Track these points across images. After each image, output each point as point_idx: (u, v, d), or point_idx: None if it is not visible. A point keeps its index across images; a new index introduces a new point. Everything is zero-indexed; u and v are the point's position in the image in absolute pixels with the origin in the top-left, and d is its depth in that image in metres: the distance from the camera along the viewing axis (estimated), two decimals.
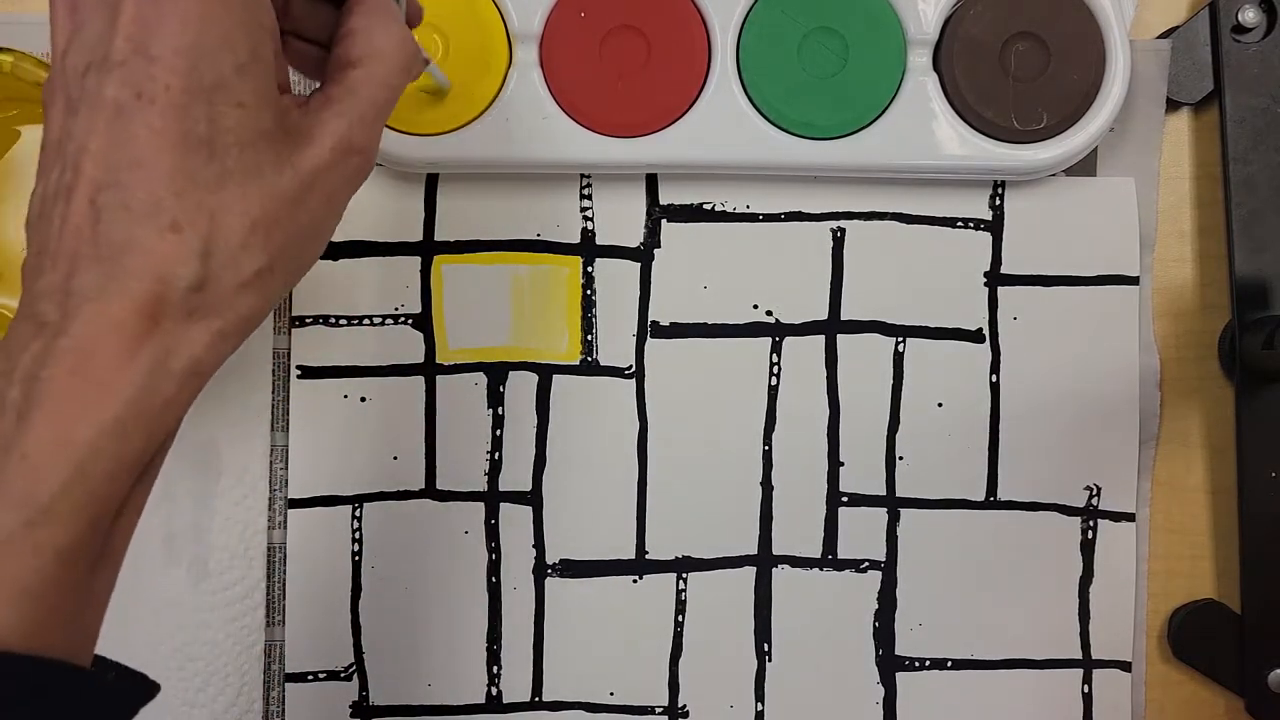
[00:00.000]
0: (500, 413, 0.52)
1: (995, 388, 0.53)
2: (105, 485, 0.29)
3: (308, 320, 0.52)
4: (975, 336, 0.53)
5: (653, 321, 0.52)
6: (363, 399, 0.52)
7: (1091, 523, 0.53)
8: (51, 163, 0.30)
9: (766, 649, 0.53)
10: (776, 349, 0.53)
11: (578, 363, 0.52)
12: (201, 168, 0.29)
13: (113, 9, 0.29)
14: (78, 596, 0.29)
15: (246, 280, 0.30)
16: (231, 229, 0.30)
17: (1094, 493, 0.53)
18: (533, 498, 0.52)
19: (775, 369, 0.53)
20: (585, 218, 0.52)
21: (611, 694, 0.53)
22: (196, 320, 0.29)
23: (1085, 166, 0.53)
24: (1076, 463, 0.53)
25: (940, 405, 0.53)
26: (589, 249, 0.52)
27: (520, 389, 0.52)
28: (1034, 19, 0.50)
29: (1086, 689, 0.54)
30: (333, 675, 0.52)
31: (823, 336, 0.53)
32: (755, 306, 0.53)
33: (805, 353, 0.53)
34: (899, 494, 0.53)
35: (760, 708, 0.53)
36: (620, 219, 0.52)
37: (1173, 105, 0.53)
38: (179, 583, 0.51)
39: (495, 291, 0.52)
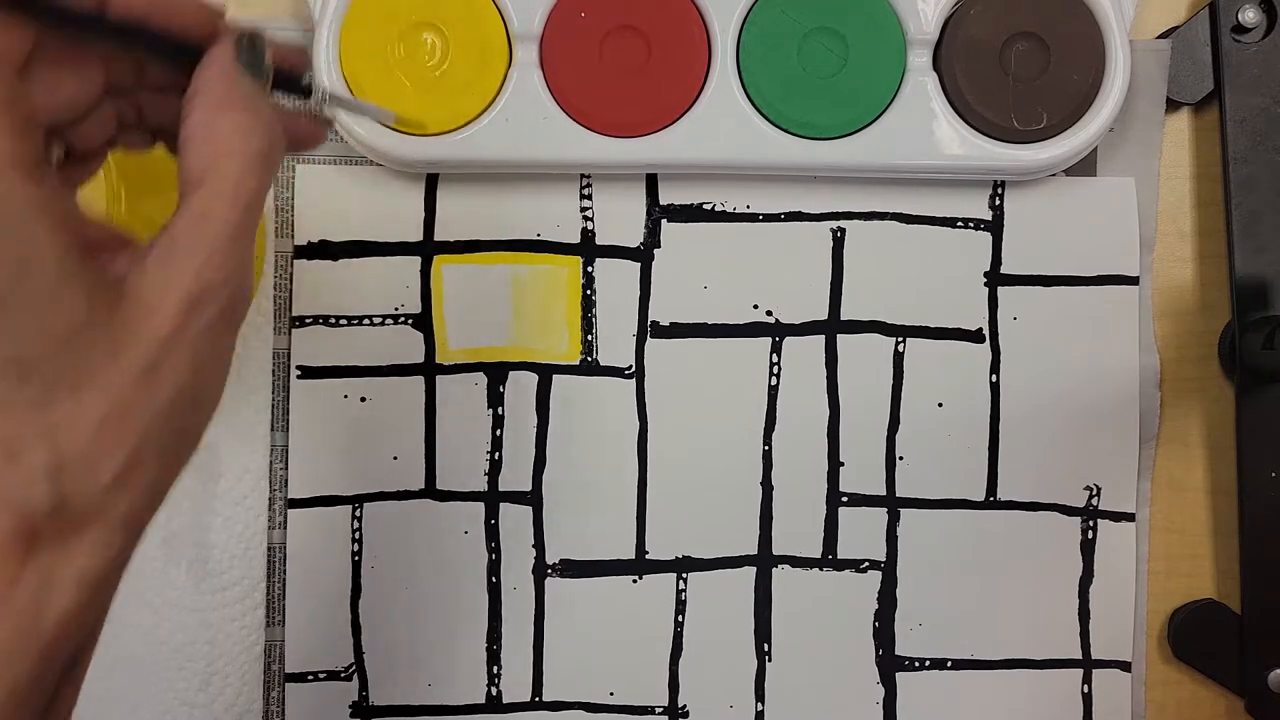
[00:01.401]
0: (500, 413, 0.52)
1: (995, 388, 0.53)
2: (13, 700, 0.27)
3: (308, 320, 0.52)
4: (975, 336, 0.53)
5: (653, 321, 0.52)
6: (363, 399, 0.52)
7: (1091, 523, 0.53)
8: None
9: (766, 649, 0.53)
10: (776, 349, 0.53)
11: (578, 363, 0.52)
12: (18, 387, 0.26)
13: None
14: None
15: (109, 483, 0.28)
16: (74, 438, 0.27)
17: (1094, 493, 0.53)
18: (533, 498, 0.52)
19: (775, 369, 0.53)
20: (585, 218, 0.52)
21: (611, 694, 0.53)
22: (70, 536, 0.27)
23: (1085, 166, 0.53)
24: (1076, 463, 0.53)
25: (940, 405, 0.53)
26: (589, 249, 0.52)
27: (520, 389, 0.52)
28: (1034, 19, 0.50)
29: (1086, 689, 0.54)
30: (333, 675, 0.52)
31: (823, 336, 0.53)
32: (755, 306, 0.53)
33: (805, 353, 0.53)
34: (899, 494, 0.53)
35: (760, 708, 0.53)
36: (620, 219, 0.52)
37: (1173, 105, 0.53)
38: (179, 583, 0.51)
39: (495, 291, 0.52)
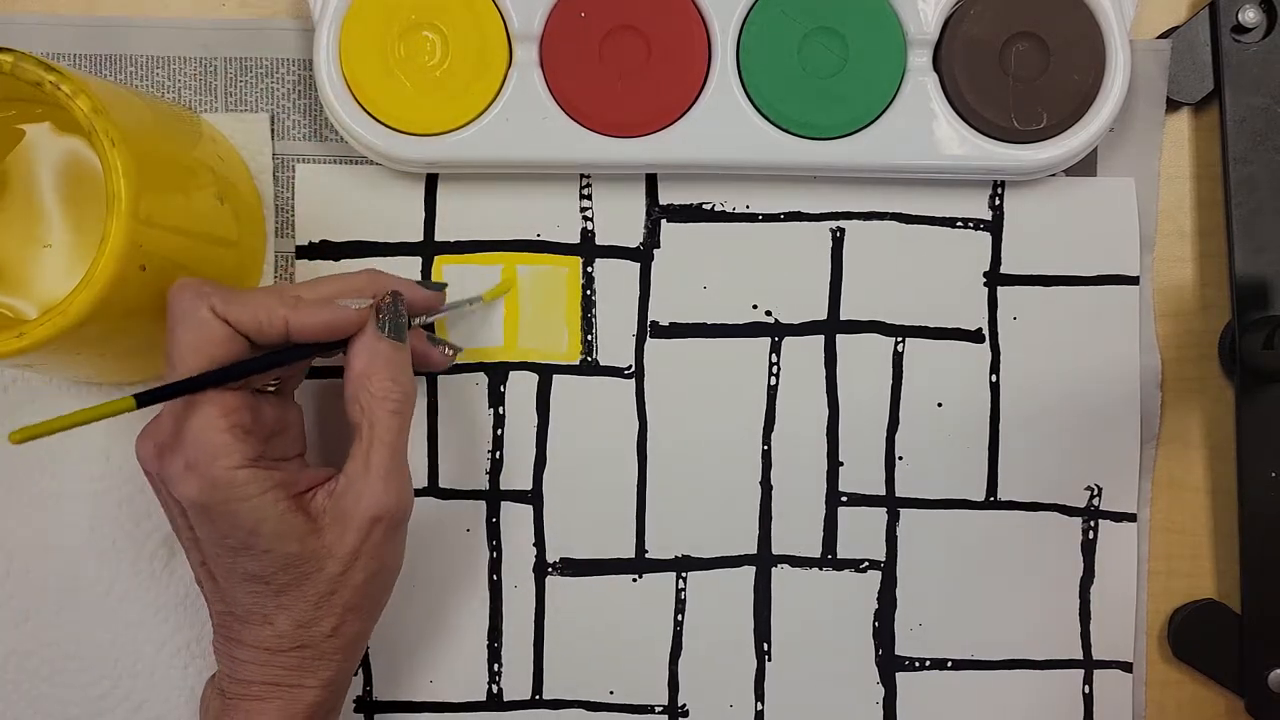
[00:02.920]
0: (501, 412, 0.52)
1: (995, 388, 0.53)
2: None
3: None
4: (975, 336, 0.53)
5: (652, 321, 0.52)
6: None
7: (1092, 523, 0.53)
8: None
9: (766, 649, 0.53)
10: (776, 349, 0.53)
11: (578, 363, 0.52)
12: (263, 589, 0.42)
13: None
14: None
15: (328, 632, 0.43)
16: (301, 611, 0.42)
17: (1095, 493, 0.53)
18: (533, 496, 0.53)
19: (775, 369, 0.53)
20: (585, 218, 0.52)
21: (611, 693, 0.53)
22: (312, 659, 0.43)
23: (1085, 166, 0.53)
24: (1077, 463, 0.53)
25: (940, 405, 0.53)
26: (589, 249, 0.52)
27: (520, 389, 0.52)
28: (1034, 19, 0.50)
29: (1087, 689, 0.54)
30: None
31: (822, 337, 0.53)
32: (755, 306, 0.53)
33: (804, 353, 0.53)
34: (899, 494, 0.53)
35: (760, 707, 0.53)
36: (620, 219, 0.52)
37: (1173, 105, 0.53)
38: (182, 582, 0.51)
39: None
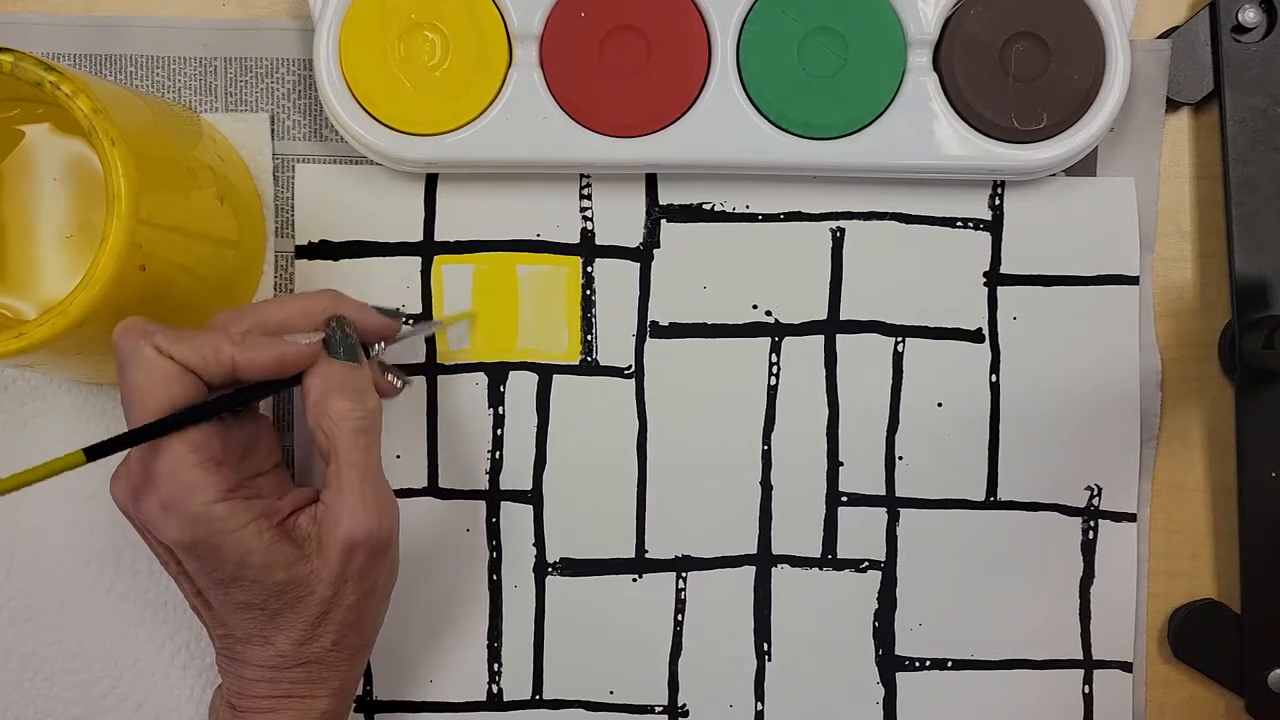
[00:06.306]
0: (501, 412, 0.52)
1: (995, 388, 0.53)
2: None
3: None
4: (975, 336, 0.53)
5: (652, 321, 0.52)
6: None
7: (1092, 523, 0.53)
8: None
9: (766, 649, 0.53)
10: (776, 349, 0.53)
11: (577, 363, 0.52)
12: (259, 615, 0.42)
13: None
14: None
15: (329, 646, 0.43)
16: (300, 631, 0.42)
17: (1095, 493, 0.53)
18: (533, 496, 0.53)
19: (775, 369, 0.53)
20: (585, 218, 0.52)
21: (611, 693, 0.53)
22: (320, 671, 0.43)
23: (1085, 166, 0.53)
24: (1077, 463, 0.53)
25: (940, 405, 0.53)
26: (589, 249, 0.52)
27: (520, 389, 0.52)
28: (1034, 19, 0.50)
29: (1087, 689, 0.54)
30: None
31: (822, 337, 0.53)
32: (755, 306, 0.53)
33: (804, 353, 0.53)
34: (899, 494, 0.53)
35: (760, 707, 0.53)
36: (620, 219, 0.52)
37: (1173, 105, 0.53)
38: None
39: (495, 291, 0.52)
